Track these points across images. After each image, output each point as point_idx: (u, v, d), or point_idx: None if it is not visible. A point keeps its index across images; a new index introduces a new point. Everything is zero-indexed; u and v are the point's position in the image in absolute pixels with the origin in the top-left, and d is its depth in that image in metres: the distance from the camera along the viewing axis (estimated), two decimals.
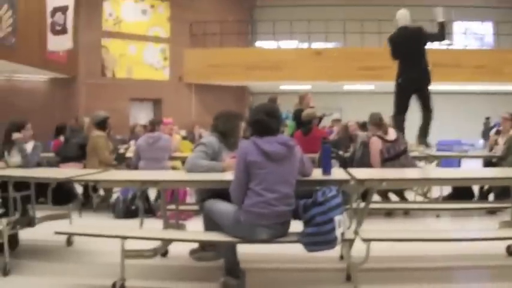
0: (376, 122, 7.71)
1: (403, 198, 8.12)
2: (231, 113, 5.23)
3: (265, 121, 4.27)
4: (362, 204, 5.02)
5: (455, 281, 5.14)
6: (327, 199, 4.01)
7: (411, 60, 7.87)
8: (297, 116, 9.51)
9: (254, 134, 4.29)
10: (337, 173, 4.88)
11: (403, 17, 8.07)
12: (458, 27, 23.12)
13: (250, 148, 4.16)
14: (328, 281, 4.86)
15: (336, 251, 4.73)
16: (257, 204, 4.10)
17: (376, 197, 8.10)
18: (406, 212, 8.03)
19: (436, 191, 8.67)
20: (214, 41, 19.31)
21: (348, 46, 19.82)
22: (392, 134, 7.66)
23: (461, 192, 8.26)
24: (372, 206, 7.06)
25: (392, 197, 8.28)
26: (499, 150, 8.75)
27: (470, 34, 23.70)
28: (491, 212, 7.80)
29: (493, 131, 9.64)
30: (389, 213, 7.85)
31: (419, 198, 8.46)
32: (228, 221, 4.29)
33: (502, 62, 19.21)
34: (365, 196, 4.94)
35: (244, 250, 4.64)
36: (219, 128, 5.08)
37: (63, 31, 13.43)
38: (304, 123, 8.58)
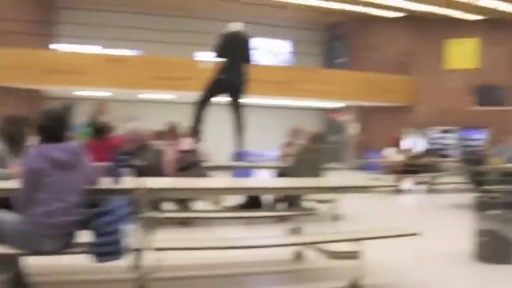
0: (173, 131, 7.79)
1: (186, 208, 8.27)
2: (16, 117, 4.96)
3: (52, 127, 4.09)
4: (153, 214, 5.00)
5: (246, 286, 5.33)
6: (115, 208, 3.95)
7: (234, 63, 8.14)
8: (93, 123, 9.29)
9: (41, 140, 4.10)
10: (128, 181, 4.82)
11: (239, 24, 8.38)
12: (259, 43, 24.06)
13: (36, 155, 3.96)
14: None
15: (127, 261, 4.67)
16: (43, 213, 3.91)
17: (171, 206, 8.18)
18: (185, 222, 8.14)
19: (229, 200, 8.93)
20: (9, 41, 18.14)
21: (147, 55, 19.71)
22: (187, 145, 7.78)
23: (253, 202, 8.60)
24: (165, 215, 7.17)
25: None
26: (289, 162, 9.24)
27: (270, 51, 24.83)
28: (282, 219, 8.20)
29: (284, 143, 10.17)
30: (183, 223, 7.93)
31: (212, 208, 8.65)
32: (12, 232, 4.01)
33: (295, 78, 20.40)
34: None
35: (32, 262, 4.39)
36: (5, 133, 4.81)
37: None
38: (100, 131, 8.40)
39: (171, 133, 7.93)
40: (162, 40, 18.85)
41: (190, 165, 7.73)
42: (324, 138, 8.76)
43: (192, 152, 7.84)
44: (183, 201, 8.27)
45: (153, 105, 22.09)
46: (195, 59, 18.96)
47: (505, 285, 5.46)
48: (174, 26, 19.42)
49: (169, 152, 7.79)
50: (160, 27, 19.35)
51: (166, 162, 7.73)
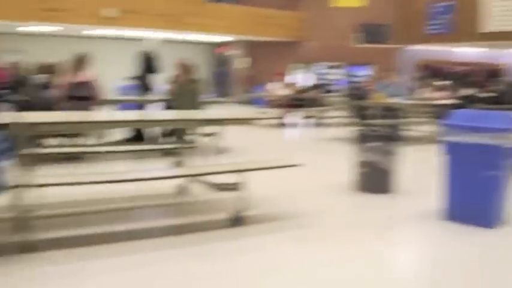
0: (79, 63, 7.91)
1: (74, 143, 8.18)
2: None
3: None
4: (33, 150, 4.87)
5: (132, 220, 5.35)
6: None
7: None
8: None
9: None
10: (5, 116, 4.63)
11: None
12: None
13: None
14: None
15: (8, 199, 4.56)
16: None
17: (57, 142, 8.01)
18: (72, 157, 8.05)
19: (115, 135, 8.83)
20: None
21: None
22: (82, 78, 7.75)
23: (139, 136, 8.57)
24: (45, 150, 6.99)
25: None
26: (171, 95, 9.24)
27: None
28: (168, 154, 8.21)
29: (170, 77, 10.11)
30: (69, 158, 7.78)
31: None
32: None
33: (182, 11, 20.09)
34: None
35: None
36: None
37: None
38: None
39: (76, 65, 7.87)
40: None
41: (78, 97, 7.74)
42: (194, 69, 8.77)
43: (84, 85, 7.79)
44: (67, 136, 8.13)
45: (35, 39, 21.15)
46: None
47: (381, 211, 5.82)
48: None
49: (58, 84, 7.81)
50: None
51: (53, 95, 7.74)
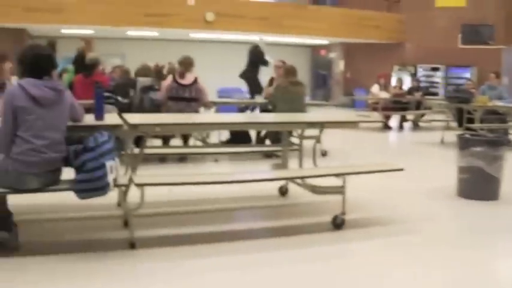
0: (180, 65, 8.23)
1: (186, 143, 8.37)
2: None
3: (34, 63, 3.99)
4: (137, 150, 4.99)
5: (232, 221, 5.39)
6: (98, 144, 3.90)
7: None
8: (78, 60, 9.20)
9: (22, 76, 4.02)
10: (110, 118, 4.78)
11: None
12: None
13: (17, 92, 3.87)
14: (105, 228, 4.80)
15: (113, 198, 4.69)
16: (26, 151, 3.86)
17: (156, 143, 8.22)
18: (184, 158, 8.22)
19: (215, 137, 8.95)
20: None
21: None
22: (188, 80, 8.14)
23: (239, 137, 8.62)
24: (153, 151, 7.18)
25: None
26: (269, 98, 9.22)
27: None
28: (268, 156, 8.25)
29: (267, 79, 10.13)
30: (163, 159, 7.96)
31: (199, 144, 8.67)
32: None
33: (282, 14, 20.19)
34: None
35: (14, 202, 4.37)
36: None
37: None
38: (87, 67, 8.30)
39: (181, 67, 8.20)
40: None
41: (180, 98, 7.96)
42: (296, 71, 8.70)
43: (190, 87, 8.03)
44: (167, 138, 8.35)
45: (136, 43, 21.88)
46: None
47: (484, 219, 5.54)
48: None
49: (168, 80, 8.25)
50: None
51: (162, 89, 8.18)
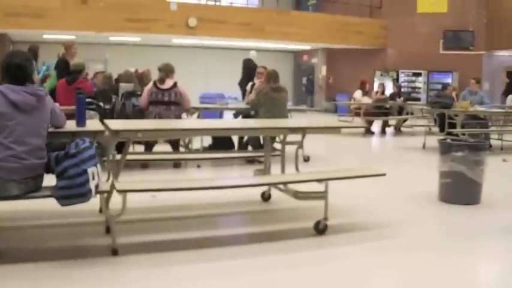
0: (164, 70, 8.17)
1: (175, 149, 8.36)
2: None
3: (13, 69, 3.97)
4: (118, 156, 4.97)
5: (216, 227, 5.38)
6: (80, 151, 3.87)
7: None
8: (60, 65, 9.13)
9: (2, 82, 3.99)
10: (92, 124, 4.75)
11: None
12: None
13: None
14: (87, 235, 4.76)
15: (95, 204, 4.66)
16: (6, 158, 3.81)
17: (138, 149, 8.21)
18: (178, 164, 8.21)
19: (197, 142, 8.94)
20: None
21: None
22: (168, 84, 8.19)
23: (221, 143, 8.62)
24: (135, 157, 7.16)
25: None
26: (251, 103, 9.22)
27: None
28: (250, 161, 8.25)
29: (249, 85, 10.14)
30: (145, 165, 7.93)
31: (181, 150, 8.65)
32: None
33: (264, 20, 20.24)
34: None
35: None
36: None
37: None
38: (73, 73, 8.26)
39: (162, 73, 8.22)
40: None
41: (160, 102, 7.96)
42: (278, 76, 8.71)
43: (170, 91, 8.06)
44: (151, 144, 8.32)
45: (119, 48, 21.83)
46: (167, 0, 18.70)
47: (465, 223, 5.59)
48: None
49: (148, 86, 8.23)
50: None
51: (143, 95, 8.18)
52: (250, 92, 9.67)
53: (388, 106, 14.91)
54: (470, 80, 12.18)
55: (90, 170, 3.88)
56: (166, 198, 5.73)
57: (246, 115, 9.15)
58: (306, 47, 24.53)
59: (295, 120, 8.32)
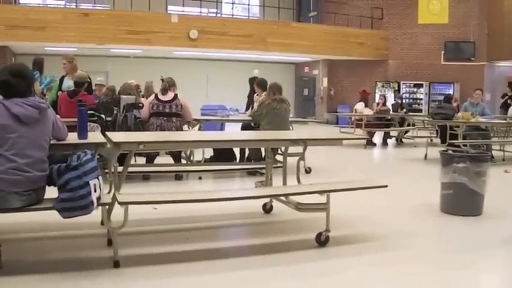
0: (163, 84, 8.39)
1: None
2: None
3: (11, 82, 3.98)
4: (120, 168, 4.97)
5: (217, 239, 5.38)
6: (82, 163, 3.89)
7: None
8: (61, 79, 9.19)
9: (3, 95, 3.99)
10: (94, 136, 4.76)
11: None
12: None
13: None
14: (89, 247, 4.76)
15: (97, 217, 4.66)
16: (8, 171, 3.81)
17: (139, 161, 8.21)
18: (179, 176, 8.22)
19: (198, 154, 8.94)
20: None
21: (116, 9, 19.30)
22: (169, 96, 8.28)
23: (222, 155, 8.63)
24: (137, 169, 7.16)
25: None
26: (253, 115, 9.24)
27: (238, 4, 24.61)
28: (251, 173, 8.25)
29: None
30: (146, 177, 7.94)
31: (183, 161, 8.66)
32: None
33: (266, 32, 20.31)
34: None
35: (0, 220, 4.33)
36: None
37: None
38: (76, 86, 8.28)
39: (163, 85, 8.33)
40: None
41: (161, 113, 8.10)
42: (281, 88, 8.75)
43: (171, 103, 8.10)
44: (152, 157, 8.34)
45: (120, 60, 21.88)
46: (168, 12, 18.79)
47: (467, 234, 5.57)
48: None
49: (150, 99, 8.38)
50: None
51: (144, 108, 8.27)
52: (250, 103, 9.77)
53: (389, 117, 14.91)
54: (475, 92, 12.07)
55: (92, 182, 3.89)
56: (168, 210, 5.72)
57: (245, 126, 9.19)
58: (307, 58, 24.57)
59: (297, 131, 8.31)
